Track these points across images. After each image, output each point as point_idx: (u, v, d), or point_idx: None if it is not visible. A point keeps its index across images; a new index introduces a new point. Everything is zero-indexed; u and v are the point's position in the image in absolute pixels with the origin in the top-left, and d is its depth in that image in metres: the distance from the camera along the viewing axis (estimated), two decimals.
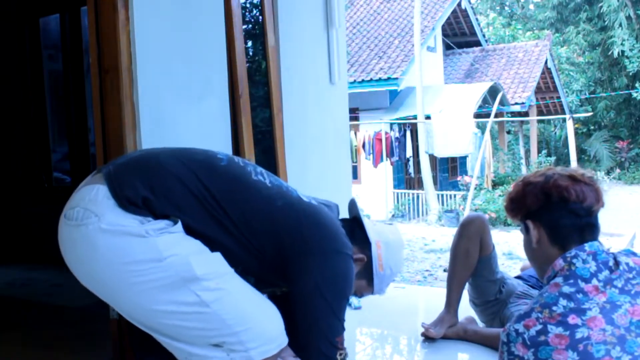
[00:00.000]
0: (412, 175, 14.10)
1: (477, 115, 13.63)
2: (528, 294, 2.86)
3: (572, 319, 1.23)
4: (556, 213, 1.38)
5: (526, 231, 1.44)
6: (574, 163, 11.89)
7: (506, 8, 28.06)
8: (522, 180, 1.47)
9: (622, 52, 20.78)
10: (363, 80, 13.89)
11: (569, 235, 1.37)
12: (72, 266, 1.52)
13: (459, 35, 18.06)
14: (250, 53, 3.60)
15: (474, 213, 2.90)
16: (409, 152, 13.21)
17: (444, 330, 2.82)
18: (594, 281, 1.28)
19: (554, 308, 1.25)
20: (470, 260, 2.77)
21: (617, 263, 1.32)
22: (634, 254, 1.36)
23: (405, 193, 13.93)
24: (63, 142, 5.04)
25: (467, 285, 2.90)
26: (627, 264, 1.32)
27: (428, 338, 2.77)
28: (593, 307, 1.24)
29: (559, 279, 1.32)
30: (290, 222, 1.61)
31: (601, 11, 21.68)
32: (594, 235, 1.38)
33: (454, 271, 2.83)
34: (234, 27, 3.15)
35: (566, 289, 1.28)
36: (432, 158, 13.72)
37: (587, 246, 1.34)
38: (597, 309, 1.24)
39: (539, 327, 1.24)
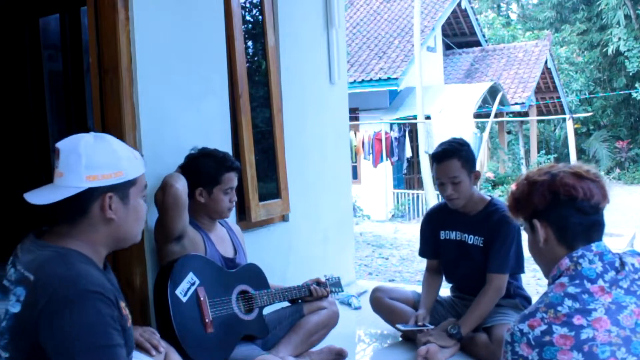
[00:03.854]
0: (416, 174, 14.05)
1: (477, 115, 13.62)
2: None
3: (577, 320, 1.22)
4: (564, 212, 1.36)
5: (532, 230, 1.42)
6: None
7: (502, 5, 28.05)
8: (525, 179, 1.43)
9: (620, 50, 20.78)
10: (363, 80, 13.87)
11: (577, 234, 1.35)
12: None
13: (458, 35, 18.05)
14: (250, 53, 3.59)
15: (371, 295, 3.13)
16: (409, 153, 13.20)
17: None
18: (600, 282, 1.28)
19: (559, 308, 1.25)
20: (400, 312, 3.05)
21: (622, 264, 1.31)
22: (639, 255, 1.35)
23: (405, 193, 13.92)
24: None
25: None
26: (632, 264, 1.31)
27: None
28: (598, 308, 1.24)
29: (564, 279, 1.31)
30: None
31: (600, 9, 21.68)
32: (601, 234, 1.36)
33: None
34: (234, 27, 3.14)
35: (572, 289, 1.27)
36: None
37: (594, 246, 1.33)
38: (603, 310, 1.23)
39: (544, 327, 1.23)
